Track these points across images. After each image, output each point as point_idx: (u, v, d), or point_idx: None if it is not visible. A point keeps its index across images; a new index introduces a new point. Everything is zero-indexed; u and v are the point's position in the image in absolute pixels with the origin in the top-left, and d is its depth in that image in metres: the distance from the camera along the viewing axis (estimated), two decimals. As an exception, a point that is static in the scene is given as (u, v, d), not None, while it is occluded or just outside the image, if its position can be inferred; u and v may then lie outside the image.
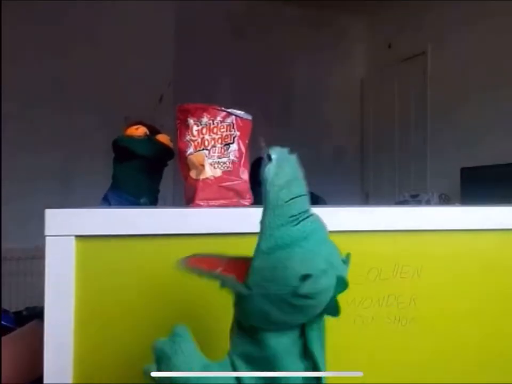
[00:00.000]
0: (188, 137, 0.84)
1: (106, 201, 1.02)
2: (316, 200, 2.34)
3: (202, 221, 0.73)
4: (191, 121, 0.84)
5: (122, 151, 1.03)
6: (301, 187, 0.50)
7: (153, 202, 1.07)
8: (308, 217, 0.50)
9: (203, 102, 0.87)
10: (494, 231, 0.86)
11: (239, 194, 0.86)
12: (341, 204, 0.89)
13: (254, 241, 0.75)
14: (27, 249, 3.25)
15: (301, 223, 0.49)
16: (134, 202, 1.02)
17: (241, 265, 0.51)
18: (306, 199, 0.50)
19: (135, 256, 0.71)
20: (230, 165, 0.85)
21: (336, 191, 4.30)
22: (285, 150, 0.51)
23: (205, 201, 0.82)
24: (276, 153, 0.50)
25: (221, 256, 0.54)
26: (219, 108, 0.86)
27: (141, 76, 3.97)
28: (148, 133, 1.04)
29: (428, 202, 3.34)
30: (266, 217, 0.50)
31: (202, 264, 0.53)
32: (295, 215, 0.49)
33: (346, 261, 0.51)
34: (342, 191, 4.51)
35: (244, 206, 0.85)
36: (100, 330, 0.70)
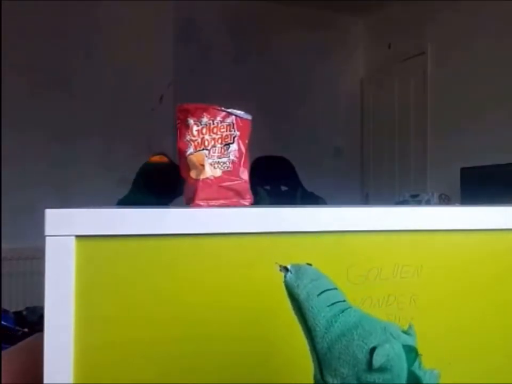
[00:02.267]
0: (187, 137, 0.84)
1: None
2: (316, 200, 2.34)
3: (202, 221, 0.73)
4: (191, 121, 0.84)
5: (149, 176, 1.11)
6: (327, 282, 0.52)
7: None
8: (350, 306, 0.51)
9: (203, 102, 0.87)
10: (494, 231, 0.86)
11: (239, 194, 0.86)
12: (341, 204, 0.89)
13: (254, 241, 0.75)
14: (27, 249, 3.25)
15: (346, 311, 0.50)
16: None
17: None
18: (339, 292, 0.52)
19: (135, 256, 0.71)
20: (230, 165, 0.85)
21: (336, 191, 4.31)
22: (300, 264, 0.53)
23: (205, 201, 0.82)
24: (291, 265, 0.52)
25: None
26: (219, 108, 0.86)
27: (141, 76, 3.97)
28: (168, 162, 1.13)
29: (428, 202, 3.34)
30: (309, 320, 0.50)
31: None
32: (334, 303, 0.50)
33: (410, 331, 0.51)
34: (342, 191, 4.52)
35: (244, 206, 0.85)
36: (100, 330, 0.70)
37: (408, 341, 0.50)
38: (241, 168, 0.86)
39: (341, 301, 0.51)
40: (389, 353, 0.47)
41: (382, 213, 0.82)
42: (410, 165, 4.38)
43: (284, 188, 2.29)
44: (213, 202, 0.83)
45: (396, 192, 4.19)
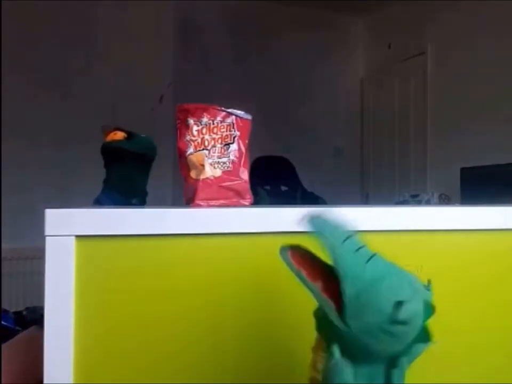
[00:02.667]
0: (187, 137, 0.84)
1: (99, 204, 1.05)
2: (316, 200, 2.34)
3: (202, 221, 0.73)
4: (191, 121, 0.84)
5: (111, 155, 1.09)
6: (346, 230, 0.54)
7: (142, 203, 1.11)
8: (374, 253, 0.53)
9: (203, 102, 0.87)
10: (494, 231, 0.86)
11: (239, 194, 0.86)
12: (341, 204, 0.89)
13: (253, 241, 0.75)
14: (27, 249, 3.25)
15: (372, 258, 0.53)
16: (125, 202, 1.05)
17: (335, 289, 0.52)
18: (358, 238, 0.54)
19: (135, 256, 0.71)
20: (230, 165, 0.85)
21: (336, 191, 4.31)
22: (317, 215, 0.54)
23: (205, 201, 0.82)
24: (312, 219, 0.53)
25: (320, 261, 0.55)
26: (219, 108, 0.86)
27: (141, 76, 3.97)
28: (126, 136, 1.12)
29: (428, 202, 3.34)
30: (339, 263, 0.52)
31: (303, 266, 0.54)
32: (358, 249, 0.52)
33: (428, 287, 0.54)
34: (342, 191, 4.51)
35: (244, 206, 0.85)
36: (100, 330, 0.70)
37: (427, 296, 0.53)
38: (241, 168, 0.86)
39: (363, 247, 0.53)
40: (413, 309, 0.50)
41: (382, 213, 0.82)
42: (410, 165, 4.38)
43: (284, 188, 2.29)
44: (213, 202, 0.83)
45: (396, 192, 4.19)
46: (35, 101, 3.69)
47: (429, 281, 0.55)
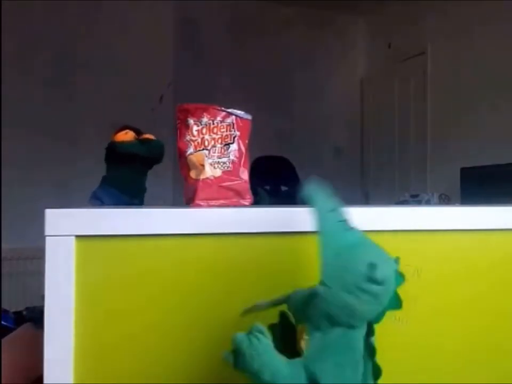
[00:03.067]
0: (187, 137, 0.84)
1: (97, 199, 1.04)
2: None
3: (202, 221, 0.73)
4: (191, 121, 0.84)
5: (120, 155, 1.08)
6: (335, 204, 0.62)
7: (141, 201, 1.11)
8: (354, 227, 0.60)
9: (203, 102, 0.87)
10: (494, 231, 0.86)
11: (239, 194, 0.86)
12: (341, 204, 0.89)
13: (254, 241, 0.75)
14: (27, 249, 3.25)
15: (352, 229, 0.60)
16: (127, 201, 1.05)
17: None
18: (344, 212, 0.61)
19: (135, 256, 0.71)
20: (230, 165, 0.85)
21: (336, 191, 4.31)
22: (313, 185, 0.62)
23: (205, 201, 0.82)
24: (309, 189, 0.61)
25: None
26: (219, 108, 0.86)
27: (141, 76, 3.97)
28: (136, 136, 1.11)
29: (428, 202, 3.34)
30: (323, 229, 0.60)
31: None
32: (342, 220, 0.60)
33: (397, 260, 0.60)
34: (342, 191, 4.50)
35: (244, 206, 0.85)
36: (100, 330, 0.70)
37: (397, 266, 0.60)
38: (241, 168, 0.87)
39: (346, 219, 0.60)
40: (387, 271, 0.56)
41: (382, 213, 0.82)
42: (410, 165, 4.38)
43: (283, 188, 2.29)
44: (213, 202, 0.83)
45: (396, 192, 4.19)
46: (35, 100, 3.69)
47: (397, 258, 0.60)
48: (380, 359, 0.61)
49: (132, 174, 1.08)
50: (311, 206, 0.60)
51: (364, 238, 0.60)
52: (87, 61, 3.87)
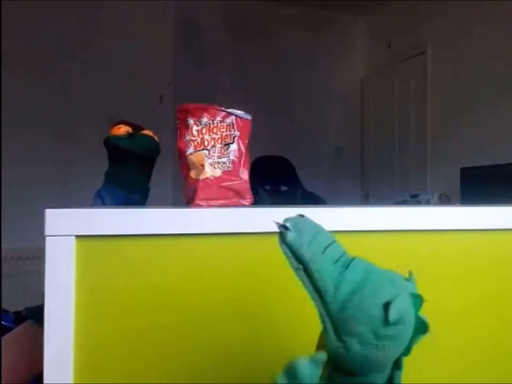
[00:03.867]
0: (187, 137, 0.84)
1: (99, 198, 1.04)
2: (316, 200, 2.33)
3: (202, 221, 0.73)
4: (191, 121, 0.84)
5: (113, 150, 1.09)
6: (327, 235, 0.51)
7: (144, 199, 1.10)
8: (353, 259, 0.51)
9: (203, 102, 0.87)
10: (494, 231, 0.86)
11: (239, 194, 0.86)
12: (341, 204, 0.89)
13: (253, 241, 0.75)
14: (27, 249, 3.26)
15: (350, 265, 0.50)
16: (126, 197, 1.05)
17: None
18: (338, 245, 0.51)
19: (135, 256, 0.71)
20: (230, 165, 0.85)
21: (336, 191, 4.31)
22: (295, 216, 0.51)
23: (205, 201, 0.82)
24: (289, 221, 0.50)
25: None
26: (219, 108, 0.86)
27: (141, 76, 3.97)
28: (130, 131, 1.10)
29: (428, 202, 3.34)
30: (318, 282, 0.49)
31: None
32: (338, 259, 0.50)
33: (410, 278, 0.52)
34: (342, 191, 4.52)
35: (244, 206, 0.85)
36: (100, 330, 0.70)
37: (412, 288, 0.51)
38: (241, 168, 0.86)
39: (343, 255, 0.51)
40: (402, 305, 0.48)
41: (382, 213, 0.82)
42: (410, 165, 4.38)
43: (284, 188, 2.29)
44: (213, 202, 0.83)
45: (396, 192, 4.19)
46: (35, 100, 3.69)
47: (410, 272, 0.53)
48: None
49: (128, 170, 1.08)
50: (299, 255, 0.49)
51: (365, 272, 0.50)
52: (87, 60, 3.87)
